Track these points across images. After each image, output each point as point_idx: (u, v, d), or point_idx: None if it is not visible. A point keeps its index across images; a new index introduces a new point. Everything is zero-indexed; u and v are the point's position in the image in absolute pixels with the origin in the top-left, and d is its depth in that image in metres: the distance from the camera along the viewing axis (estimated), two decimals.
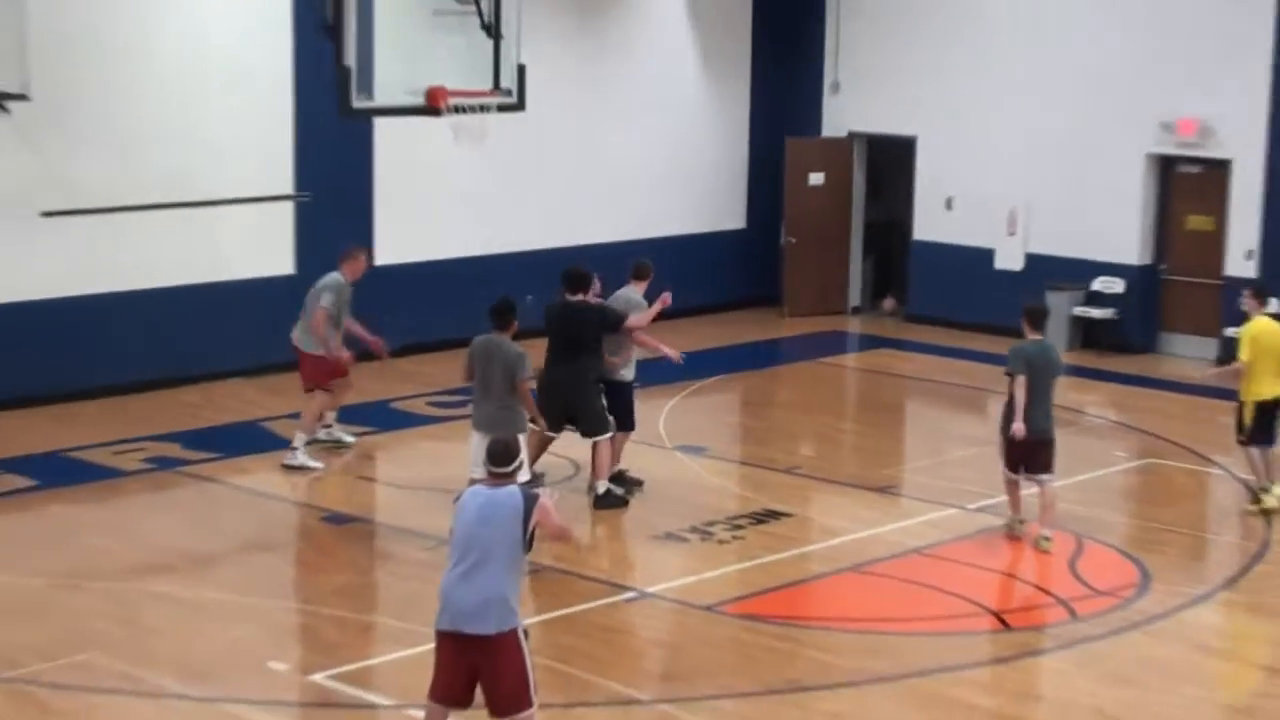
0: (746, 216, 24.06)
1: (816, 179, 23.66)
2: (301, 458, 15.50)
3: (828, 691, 10.90)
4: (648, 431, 16.42)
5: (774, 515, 14.52)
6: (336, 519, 14.40)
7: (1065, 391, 16.57)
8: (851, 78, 23.51)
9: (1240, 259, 20.46)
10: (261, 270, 18.78)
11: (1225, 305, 20.02)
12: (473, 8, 15.19)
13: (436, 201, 20.36)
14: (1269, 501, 14.78)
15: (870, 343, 22.51)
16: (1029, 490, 14.06)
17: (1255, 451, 14.91)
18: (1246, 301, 15.27)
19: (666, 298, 14.72)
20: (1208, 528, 15.12)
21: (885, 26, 23.07)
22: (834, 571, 13.33)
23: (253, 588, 12.60)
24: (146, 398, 17.79)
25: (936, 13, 22.58)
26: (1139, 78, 20.91)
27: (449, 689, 9.19)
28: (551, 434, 14.43)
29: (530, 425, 13.58)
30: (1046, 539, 13.69)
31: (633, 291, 14.90)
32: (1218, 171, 20.74)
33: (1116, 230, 21.38)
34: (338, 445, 16.02)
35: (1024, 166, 21.92)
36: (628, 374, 14.89)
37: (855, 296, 24.23)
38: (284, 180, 19.07)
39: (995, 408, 15.09)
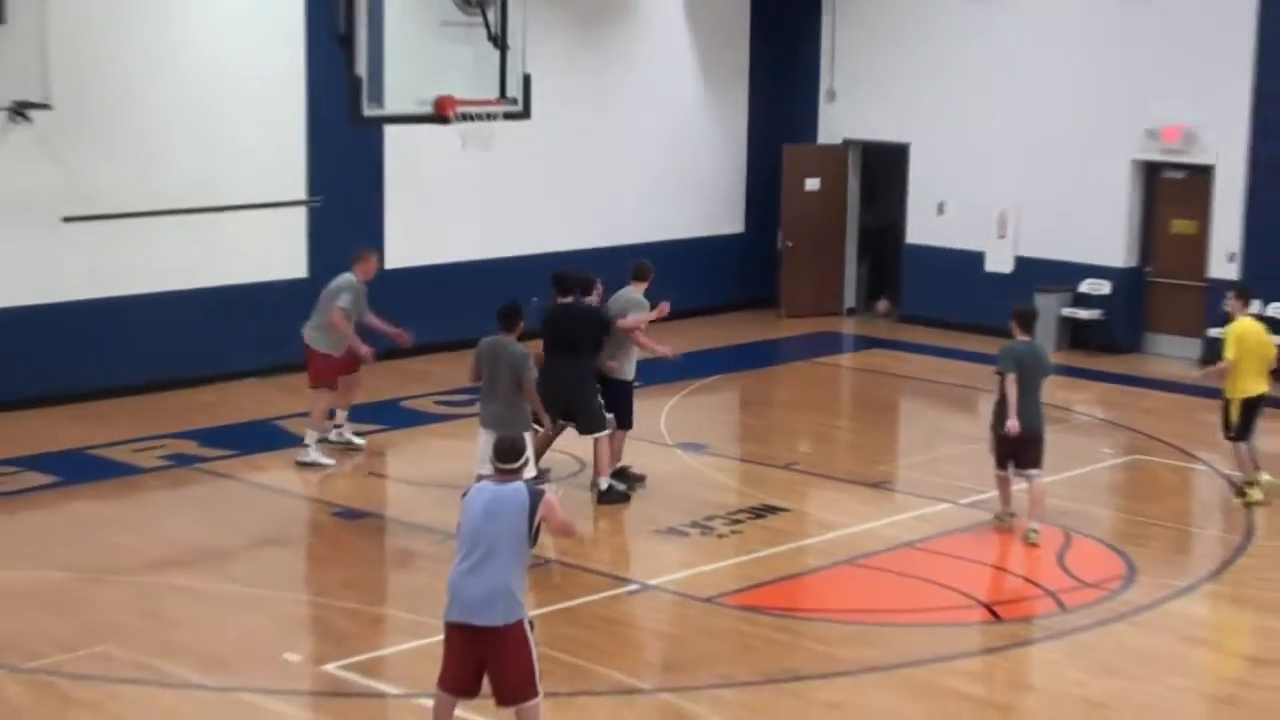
0: (745, 221, 24.05)
1: (813, 184, 23.65)
2: (314, 454, 15.49)
3: (824, 681, 10.89)
4: (649, 429, 16.43)
5: (772, 510, 14.50)
6: (348, 514, 14.39)
7: (1054, 390, 16.54)
8: (846, 87, 23.51)
9: (1223, 261, 20.46)
10: (275, 273, 18.77)
11: (1208, 306, 20.01)
12: (480, 19, 15.20)
13: (445, 206, 20.36)
14: (1254, 495, 14.79)
15: (865, 343, 22.49)
16: (1019, 486, 14.05)
17: (1242, 446, 14.93)
18: (1230, 303, 15.28)
19: (664, 307, 14.71)
20: (1192, 522, 15.11)
21: (879, 37, 23.07)
22: (830, 565, 13.32)
23: (267, 581, 12.60)
24: (164, 397, 17.79)
25: (930, 24, 22.57)
26: (1125, 87, 20.91)
27: (457, 678, 9.18)
28: (563, 421, 14.40)
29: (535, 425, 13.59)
30: (1035, 531, 13.68)
31: (633, 292, 14.89)
32: (1201, 177, 20.73)
33: (1103, 234, 21.37)
34: (348, 447, 15.97)
35: (1014, 172, 21.91)
36: (628, 374, 14.88)
37: (850, 298, 24.22)
38: (297, 186, 19.06)
39: (986, 406, 15.07)
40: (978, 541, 13.86)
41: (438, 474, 15.20)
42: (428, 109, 14.84)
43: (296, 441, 15.86)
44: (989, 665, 11.48)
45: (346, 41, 14.31)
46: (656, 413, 17.32)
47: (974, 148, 22.21)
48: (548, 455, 14.84)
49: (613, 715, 10.42)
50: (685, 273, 22.01)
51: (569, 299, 14.46)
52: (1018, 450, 13.82)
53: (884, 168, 23.75)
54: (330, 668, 10.93)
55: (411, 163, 19.68)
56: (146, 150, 17.75)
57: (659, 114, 22.71)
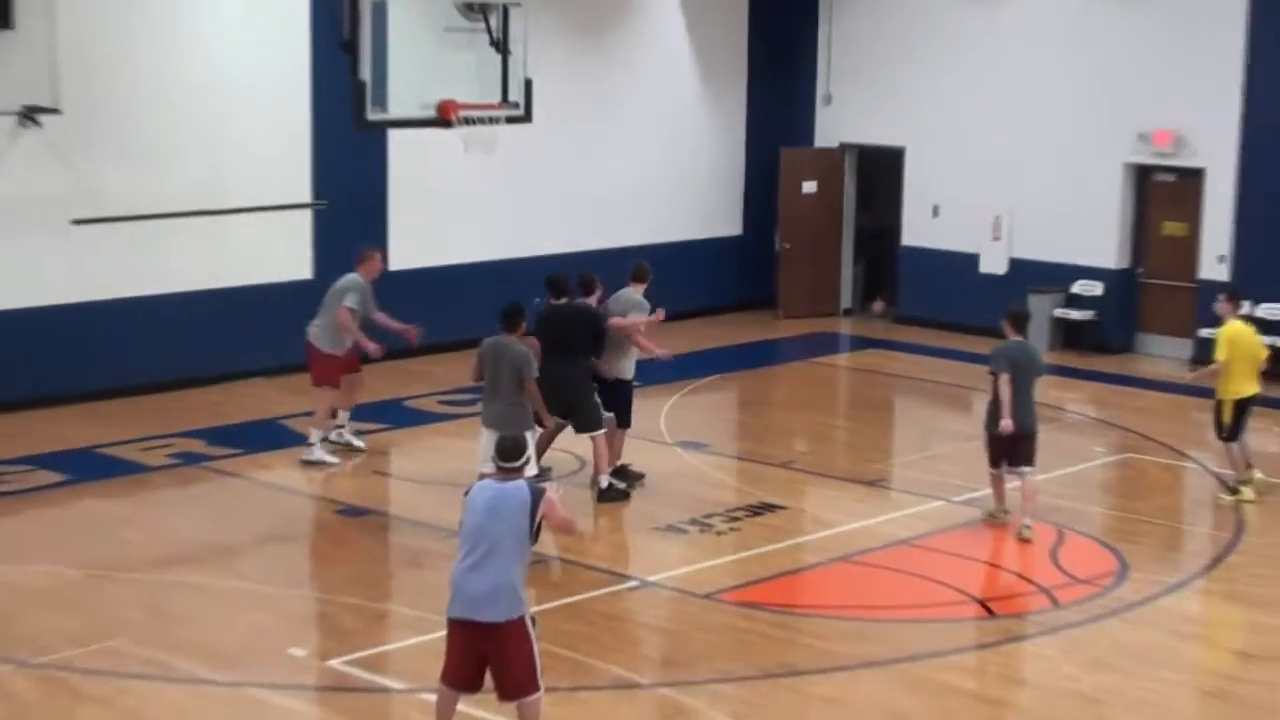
0: (743, 223, 24.05)
1: (809, 187, 23.65)
2: (318, 453, 15.49)
3: (821, 675, 10.90)
4: (649, 428, 16.43)
5: (770, 508, 14.51)
6: (352, 512, 14.40)
7: (1047, 389, 16.58)
8: (843, 91, 23.51)
9: (1213, 263, 20.47)
10: (281, 275, 18.77)
11: (1199, 307, 20.01)
12: (482, 25, 15.21)
13: (447, 209, 20.36)
14: (1247, 494, 14.79)
15: (861, 343, 22.49)
16: (1012, 484, 14.06)
17: (1234, 447, 14.95)
18: (1221, 306, 15.26)
19: (660, 314, 14.73)
20: (1183, 519, 15.11)
21: (875, 43, 23.07)
22: (827, 561, 13.33)
23: (273, 578, 12.60)
24: (172, 396, 17.80)
25: (924, 31, 22.57)
26: (1117, 91, 20.92)
27: (460, 673, 9.19)
28: (562, 420, 14.40)
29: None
30: (1027, 527, 13.70)
31: (633, 292, 14.89)
32: (1192, 180, 20.73)
33: (1096, 236, 21.38)
34: (348, 449, 15.93)
35: (1007, 175, 21.91)
36: (628, 373, 14.88)
37: (847, 299, 24.22)
38: (302, 189, 19.06)
39: (980, 405, 15.08)
40: (972, 538, 13.87)
41: (441, 472, 15.20)
42: (431, 113, 14.84)
43: (302, 440, 15.86)
44: (983, 660, 11.49)
45: (350, 47, 14.32)
46: (656, 412, 17.33)
47: (968, 151, 22.21)
48: (548, 454, 14.84)
49: (612, 710, 10.42)
50: (684, 274, 22.04)
51: (562, 300, 14.47)
52: (1011, 449, 13.84)
53: (880, 171, 23.75)
54: (335, 663, 10.94)
55: (415, 166, 19.68)
56: (154, 154, 17.76)
57: (658, 118, 22.71)
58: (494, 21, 15.25)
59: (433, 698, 9.44)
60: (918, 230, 22.94)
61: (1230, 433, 14.93)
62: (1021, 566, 13.31)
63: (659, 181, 22.76)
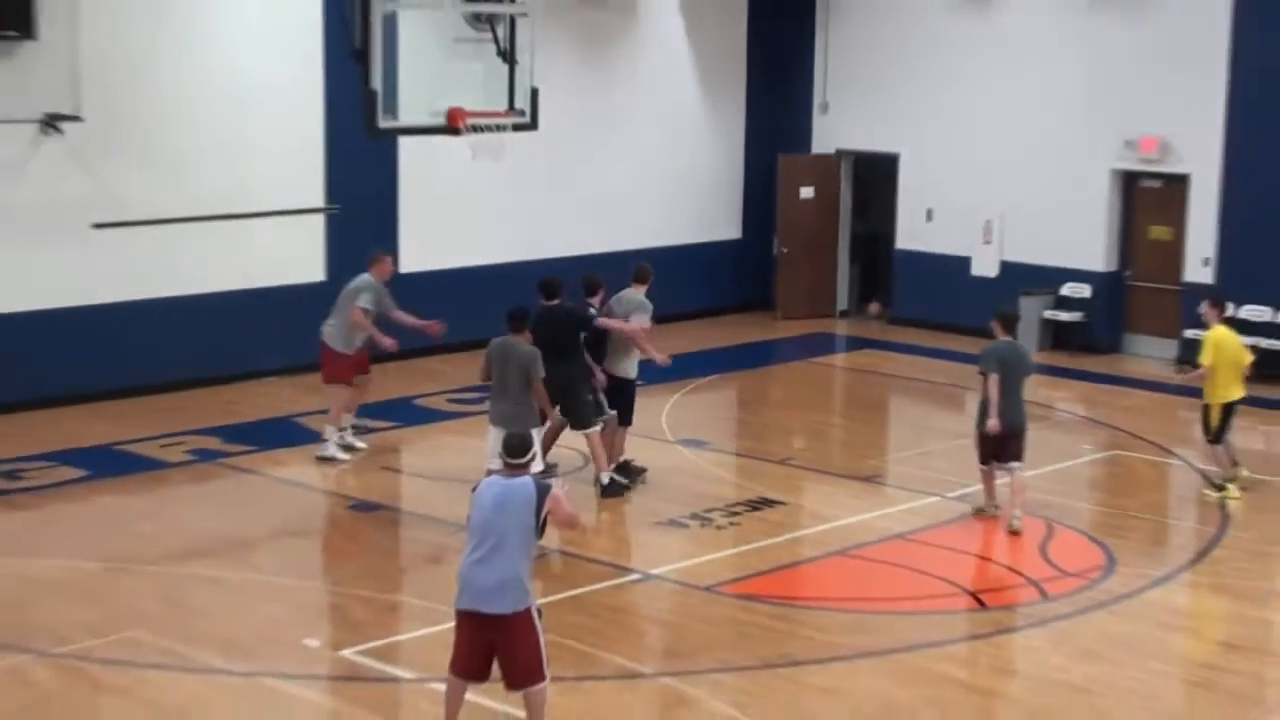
0: (742, 227, 24.03)
1: (807, 193, 23.63)
2: (332, 449, 15.48)
3: (819, 666, 10.88)
4: (651, 426, 16.42)
5: (768, 503, 14.49)
6: (364, 507, 14.38)
7: (1036, 389, 16.57)
8: (839, 100, 23.49)
9: (1198, 266, 20.44)
10: (295, 278, 18.76)
11: (1185, 309, 19.99)
12: (490, 36, 15.17)
13: (456, 214, 20.34)
14: (1233, 492, 14.76)
15: (857, 344, 22.47)
16: (1002, 480, 14.04)
17: (1219, 448, 14.93)
18: (1206, 312, 15.21)
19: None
20: (1169, 514, 15.09)
21: (870, 53, 23.04)
22: (824, 555, 13.30)
23: (287, 570, 12.59)
24: (189, 395, 17.78)
25: (918, 42, 22.55)
26: (1104, 99, 20.90)
27: (468, 664, 9.18)
28: (564, 419, 14.38)
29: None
30: (1017, 518, 13.68)
31: (635, 293, 14.86)
32: (1177, 185, 20.70)
33: (1084, 240, 21.35)
34: (348, 450, 15.87)
35: (998, 181, 21.89)
36: (631, 372, 14.86)
37: (843, 301, 24.19)
38: (315, 194, 19.05)
39: (972, 404, 15.06)
40: (964, 533, 13.85)
41: (449, 469, 15.18)
42: (440, 121, 14.81)
43: (315, 438, 15.85)
44: (975, 651, 11.46)
45: (362, 57, 14.29)
46: (658, 410, 17.31)
47: (961, 158, 22.19)
48: (554, 450, 14.82)
49: (616, 699, 10.41)
50: (685, 277, 22.04)
51: (554, 302, 14.44)
52: (1001, 445, 13.83)
53: (875, 177, 23.72)
54: (347, 653, 10.92)
55: (424, 172, 19.66)
56: (172, 160, 17.75)
57: (660, 125, 22.69)
58: (501, 32, 15.22)
59: (442, 687, 9.42)
60: (912, 234, 22.92)
61: (1216, 436, 14.91)
62: (1012, 560, 13.29)
63: (660, 187, 22.74)
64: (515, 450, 9.25)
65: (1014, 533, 13.60)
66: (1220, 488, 14.87)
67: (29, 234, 16.80)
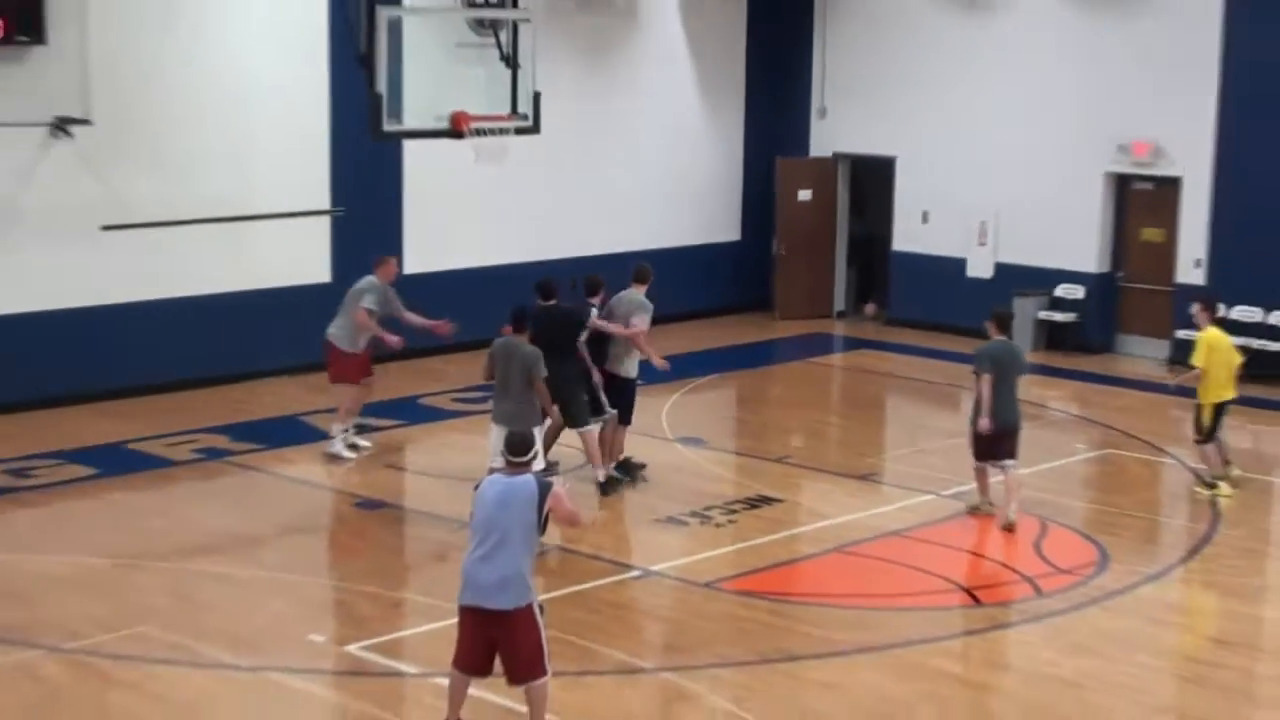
0: (741, 229, 24.03)
1: (805, 195, 23.64)
2: (337, 445, 15.49)
3: (816, 661, 10.89)
4: (651, 425, 16.43)
5: (766, 501, 14.50)
6: (368, 504, 14.39)
7: (1030, 388, 16.59)
8: (836, 104, 23.50)
9: (1190, 267, 20.45)
10: (300, 278, 18.76)
11: (1176, 309, 19.99)
12: (493, 41, 15.20)
13: (459, 216, 20.34)
14: (1224, 490, 14.77)
15: (854, 344, 22.47)
16: (996, 478, 14.05)
17: (1210, 447, 14.94)
18: (1197, 314, 15.20)
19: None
20: (1161, 512, 15.10)
21: (867, 59, 23.05)
22: (821, 552, 13.31)
23: (293, 567, 12.60)
24: (196, 394, 17.79)
25: (914, 48, 22.55)
26: (1098, 103, 20.91)
27: (471, 659, 9.19)
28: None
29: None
30: (1012, 513, 13.67)
31: (635, 293, 14.86)
32: (1169, 188, 20.71)
33: (1078, 241, 21.36)
34: (354, 448, 15.87)
35: (993, 184, 21.89)
36: (632, 371, 14.86)
37: (840, 302, 24.19)
38: (321, 197, 19.05)
39: (967, 403, 15.06)
40: (959, 530, 13.86)
41: (453, 467, 15.18)
42: (443, 124, 14.84)
43: (321, 436, 15.87)
44: (970, 646, 11.48)
45: (367, 62, 14.32)
46: (658, 409, 17.31)
47: (956, 161, 22.20)
48: (555, 449, 14.83)
49: (616, 693, 10.41)
50: (685, 277, 22.04)
51: (551, 302, 14.44)
52: (995, 444, 13.83)
53: (872, 179, 23.72)
54: (352, 648, 10.94)
55: (428, 175, 19.67)
56: (180, 164, 17.75)
57: (661, 129, 22.70)
58: (504, 37, 15.26)
59: (445, 681, 9.44)
60: (908, 236, 22.92)
61: (1207, 435, 14.92)
62: (1006, 557, 13.29)
63: (661, 189, 22.74)
64: (517, 448, 9.26)
65: (1008, 529, 13.61)
66: (1211, 486, 14.88)
67: (39, 235, 16.82)
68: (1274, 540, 14.19)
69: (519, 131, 15.37)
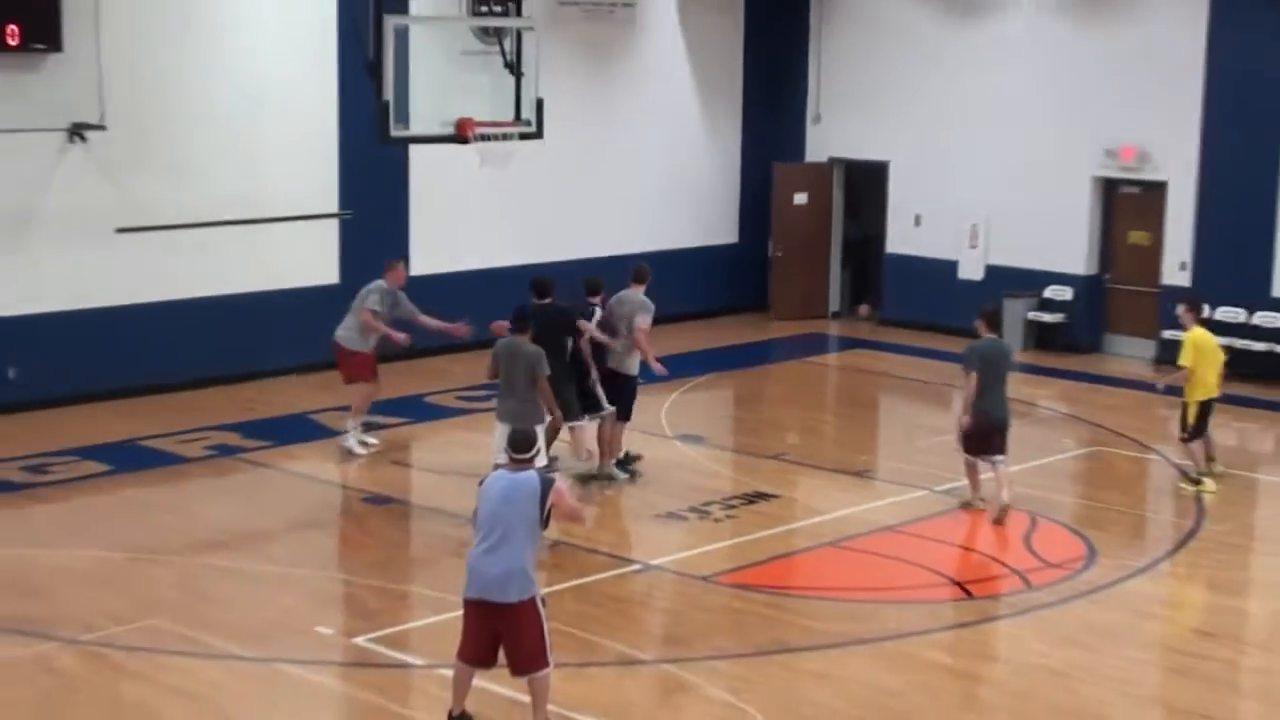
0: (738, 231, 24.01)
1: (800, 199, 23.62)
2: (351, 442, 15.47)
3: (812, 652, 10.87)
4: (651, 422, 16.42)
5: (763, 497, 14.48)
6: (376, 500, 14.38)
7: (1020, 386, 16.56)
8: (831, 110, 23.47)
9: (1175, 270, 20.42)
10: (309, 280, 18.74)
11: (1162, 310, 19.98)
12: (497, 49, 15.19)
13: (464, 219, 20.33)
14: (1209, 486, 14.75)
15: (848, 344, 22.45)
16: (986, 474, 14.03)
17: (1195, 444, 14.92)
18: (1183, 315, 15.19)
19: (616, 343, 14.66)
20: (1147, 507, 15.07)
21: (861, 66, 23.03)
22: (816, 546, 13.30)
23: (302, 561, 12.58)
24: (208, 393, 17.78)
25: (907, 55, 22.52)
26: (1085, 109, 20.88)
27: (475, 651, 9.18)
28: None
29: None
30: (1005, 505, 13.65)
31: (634, 293, 14.83)
32: (1155, 192, 20.69)
33: (1066, 244, 21.34)
34: (363, 445, 15.83)
35: (984, 188, 21.86)
36: (633, 369, 14.84)
37: (835, 303, 24.17)
38: (330, 200, 19.04)
39: (958, 401, 15.04)
40: (951, 525, 13.84)
41: (458, 463, 15.17)
42: (449, 130, 14.82)
43: (329, 434, 15.86)
44: (961, 638, 11.46)
45: (375, 69, 14.31)
46: (658, 407, 17.30)
47: (948, 165, 22.18)
48: (556, 445, 14.80)
49: (617, 684, 10.40)
50: (683, 279, 22.02)
51: (546, 300, 14.41)
52: (985, 440, 13.81)
53: (866, 183, 23.71)
54: (360, 641, 10.92)
55: (434, 179, 19.65)
56: (192, 168, 17.74)
57: (660, 134, 22.68)
58: (508, 45, 15.24)
59: (450, 673, 9.42)
60: (901, 239, 22.91)
61: (1193, 433, 14.91)
62: (997, 551, 13.27)
63: (660, 193, 22.72)
64: (520, 445, 9.25)
65: (1000, 520, 13.59)
66: (1196, 482, 14.86)
67: (56, 238, 16.81)
68: (1257, 535, 14.18)
69: (523, 137, 15.36)
